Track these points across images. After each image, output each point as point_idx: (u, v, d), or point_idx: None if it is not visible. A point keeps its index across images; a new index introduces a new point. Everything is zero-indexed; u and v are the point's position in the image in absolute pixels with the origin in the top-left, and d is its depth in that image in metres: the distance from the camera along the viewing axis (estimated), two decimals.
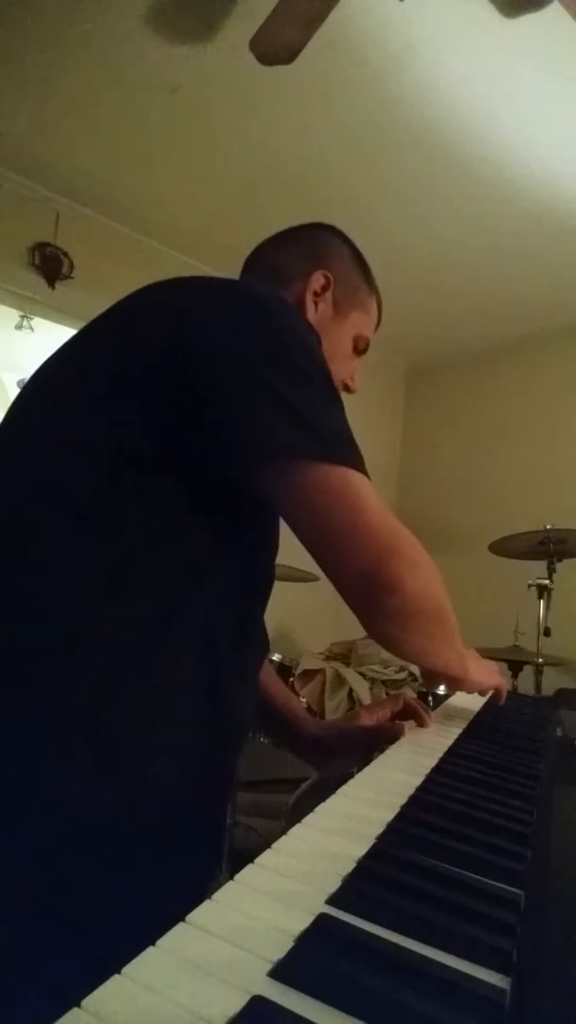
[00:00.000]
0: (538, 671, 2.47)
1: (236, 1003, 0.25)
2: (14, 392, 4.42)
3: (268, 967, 0.28)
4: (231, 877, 0.36)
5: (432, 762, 0.64)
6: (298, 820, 0.45)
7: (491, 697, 0.90)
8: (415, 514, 3.66)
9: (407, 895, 0.35)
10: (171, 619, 0.60)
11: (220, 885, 0.34)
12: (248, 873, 0.36)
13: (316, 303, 0.86)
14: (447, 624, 0.69)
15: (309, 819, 0.45)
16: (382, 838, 0.43)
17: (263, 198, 2.65)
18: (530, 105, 2.07)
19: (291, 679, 2.51)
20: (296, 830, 0.43)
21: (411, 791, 0.53)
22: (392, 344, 3.77)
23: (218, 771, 0.67)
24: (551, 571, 2.51)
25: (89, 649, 0.57)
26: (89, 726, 0.55)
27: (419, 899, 0.35)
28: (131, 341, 0.66)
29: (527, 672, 2.56)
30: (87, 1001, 0.25)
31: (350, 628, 2.34)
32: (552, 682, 2.56)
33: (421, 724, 0.86)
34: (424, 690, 2.17)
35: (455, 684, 0.82)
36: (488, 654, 2.41)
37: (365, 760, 0.74)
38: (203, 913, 0.32)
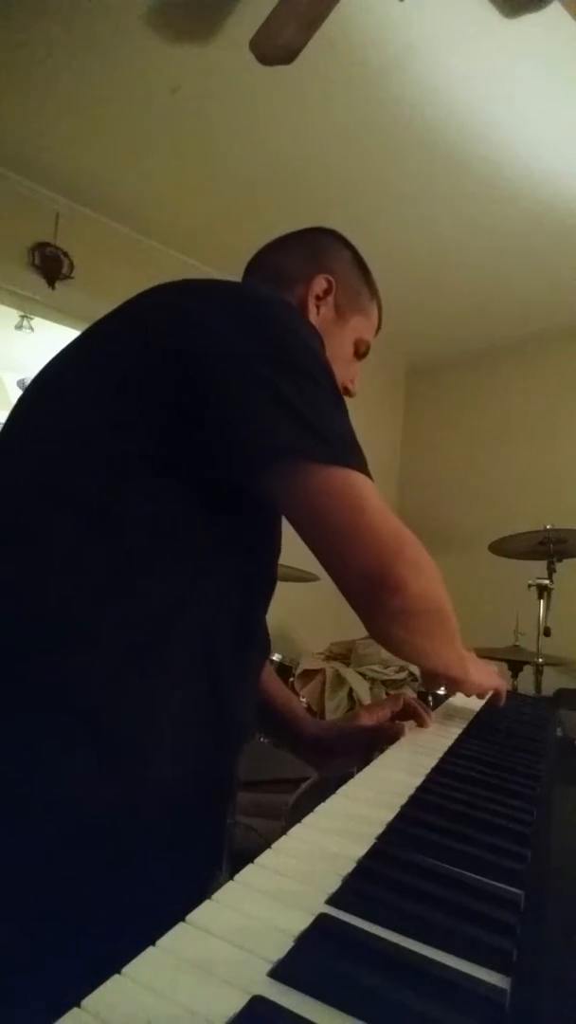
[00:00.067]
0: (538, 671, 2.47)
1: (236, 1003, 0.25)
2: (14, 392, 4.44)
3: (268, 967, 0.28)
4: (231, 877, 0.36)
5: (432, 762, 0.64)
6: (298, 820, 0.44)
7: (491, 698, 0.90)
8: (415, 514, 3.66)
9: (407, 895, 0.35)
10: (173, 619, 0.60)
11: (220, 885, 0.34)
12: (248, 873, 0.36)
13: (318, 307, 0.86)
14: (448, 625, 0.69)
15: (309, 819, 0.45)
16: (382, 838, 0.43)
17: (263, 198, 2.65)
18: (530, 105, 2.07)
19: (291, 679, 2.51)
20: (296, 830, 0.43)
21: (411, 791, 0.53)
22: (392, 344, 3.77)
23: (219, 771, 0.67)
24: (551, 571, 2.51)
25: (90, 649, 0.57)
26: (90, 726, 0.55)
27: (419, 899, 0.35)
28: (135, 342, 0.66)
29: (527, 672, 2.56)
30: (87, 1001, 0.25)
31: (350, 628, 2.34)
32: (552, 682, 2.56)
33: (421, 724, 0.86)
34: (423, 690, 2.17)
35: (455, 686, 0.82)
36: (488, 654, 2.43)
37: (365, 760, 0.74)
38: (203, 913, 0.32)
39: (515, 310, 3.37)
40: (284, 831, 0.42)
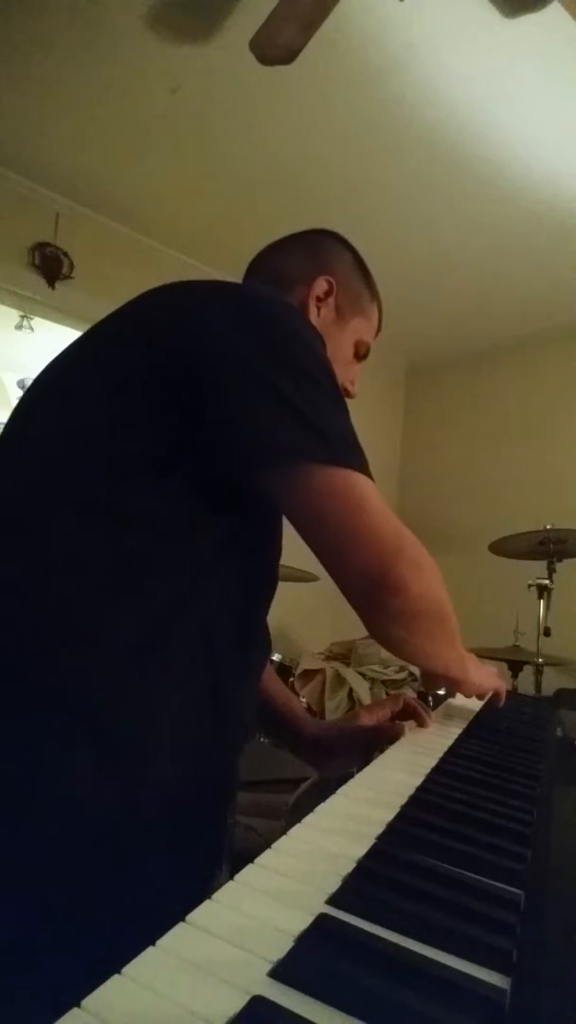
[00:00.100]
0: (538, 671, 2.47)
1: (236, 1003, 0.25)
2: (14, 392, 4.44)
3: (268, 967, 0.28)
4: (231, 877, 0.36)
5: (432, 762, 0.64)
6: (298, 820, 0.44)
7: (490, 699, 0.90)
8: (415, 514, 3.66)
9: (407, 895, 0.35)
10: (174, 619, 0.60)
11: (220, 885, 0.34)
12: (248, 873, 0.36)
13: (319, 308, 0.86)
14: (448, 625, 0.69)
15: (309, 819, 0.45)
16: (382, 838, 0.43)
17: (263, 198, 2.65)
18: (530, 105, 2.07)
19: (291, 679, 2.51)
20: (296, 830, 0.43)
21: (411, 791, 0.53)
22: (392, 344, 3.77)
23: (220, 771, 0.67)
24: (551, 571, 2.51)
25: (91, 649, 0.57)
26: (91, 726, 0.55)
27: (419, 899, 0.35)
28: (137, 343, 0.66)
29: (527, 672, 2.56)
30: (87, 1001, 0.25)
31: (350, 628, 2.34)
32: (552, 682, 2.56)
33: (421, 724, 0.86)
34: (423, 690, 2.17)
35: (455, 686, 0.82)
36: (488, 654, 2.43)
37: (365, 760, 0.74)
38: (203, 913, 0.32)
39: (515, 310, 3.37)
40: (284, 831, 0.42)
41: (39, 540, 0.60)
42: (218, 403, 0.61)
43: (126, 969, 0.27)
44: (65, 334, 2.86)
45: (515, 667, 2.60)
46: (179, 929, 0.30)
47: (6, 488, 0.65)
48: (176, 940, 0.29)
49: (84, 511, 0.60)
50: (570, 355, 3.46)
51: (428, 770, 0.61)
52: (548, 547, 2.49)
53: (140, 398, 0.63)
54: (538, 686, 2.47)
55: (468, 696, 0.89)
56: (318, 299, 0.86)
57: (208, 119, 2.25)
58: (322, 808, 0.48)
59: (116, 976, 0.26)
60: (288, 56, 1.72)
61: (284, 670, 2.48)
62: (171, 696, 0.60)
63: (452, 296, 3.29)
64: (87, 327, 0.74)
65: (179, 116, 2.24)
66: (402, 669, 2.63)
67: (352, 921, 0.32)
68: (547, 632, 2.47)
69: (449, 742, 0.75)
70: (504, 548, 2.66)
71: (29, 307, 2.89)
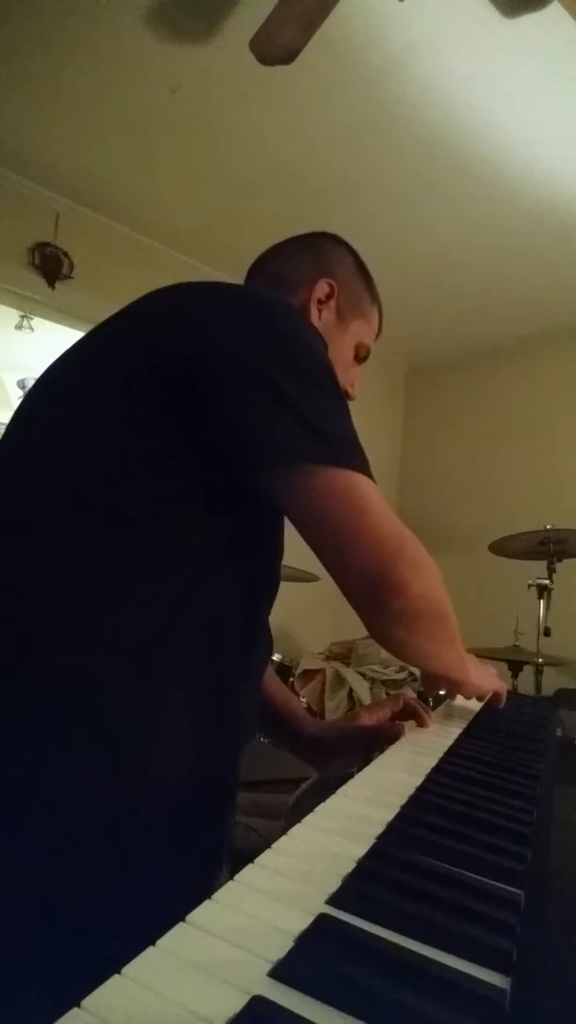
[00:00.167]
0: (538, 671, 2.47)
1: (236, 1003, 0.25)
2: (14, 392, 4.44)
3: (268, 967, 0.28)
4: (231, 877, 0.36)
5: (432, 762, 0.64)
6: (298, 820, 0.44)
7: (490, 700, 0.90)
8: (415, 514, 3.66)
9: (407, 895, 0.35)
10: (175, 619, 0.60)
11: (220, 885, 0.34)
12: (248, 873, 0.36)
13: (320, 310, 0.86)
14: (448, 625, 0.69)
15: (309, 819, 0.45)
16: (382, 838, 0.43)
17: (263, 198, 2.65)
18: (530, 105, 2.07)
19: (291, 679, 2.51)
20: (296, 830, 0.43)
21: (411, 791, 0.53)
22: (392, 344, 3.77)
23: (221, 771, 0.67)
24: (551, 571, 2.51)
25: (92, 649, 0.57)
26: (92, 726, 0.55)
27: (419, 899, 0.35)
28: (140, 344, 0.66)
29: (527, 672, 2.56)
30: (87, 1001, 0.25)
31: (350, 628, 2.34)
32: (552, 682, 2.56)
33: (421, 724, 0.86)
34: (423, 690, 2.17)
35: (455, 688, 0.82)
36: (488, 654, 2.43)
37: (365, 760, 0.74)
38: (203, 913, 0.32)
39: (515, 310, 3.37)
40: (284, 831, 0.42)
41: (39, 540, 0.60)
42: (219, 404, 0.62)
43: (126, 969, 0.27)
44: (65, 334, 2.86)
45: (515, 667, 2.60)
46: (179, 929, 0.30)
47: (7, 488, 0.65)
48: (176, 940, 0.29)
49: (85, 511, 0.60)
50: (570, 355, 3.46)
51: (428, 770, 0.60)
52: (548, 547, 2.49)
53: (142, 399, 0.63)
54: (538, 686, 2.47)
55: (468, 698, 0.89)
56: (319, 302, 0.86)
57: (208, 119, 2.25)
58: (322, 808, 0.48)
59: (116, 976, 0.26)
60: (288, 56, 1.72)
61: (284, 670, 2.48)
62: (172, 696, 0.60)
63: (452, 296, 3.30)
64: (87, 327, 0.74)
65: (179, 116, 2.24)
66: (402, 669, 2.64)
67: (352, 921, 0.32)
68: (547, 632, 2.47)
69: (449, 742, 0.75)
70: (504, 548, 2.66)
71: (29, 307, 2.90)
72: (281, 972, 0.28)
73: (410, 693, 1.49)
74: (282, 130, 2.28)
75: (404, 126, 2.21)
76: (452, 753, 0.69)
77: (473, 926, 0.33)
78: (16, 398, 4.45)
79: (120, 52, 1.98)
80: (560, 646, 2.56)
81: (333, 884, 0.36)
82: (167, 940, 0.29)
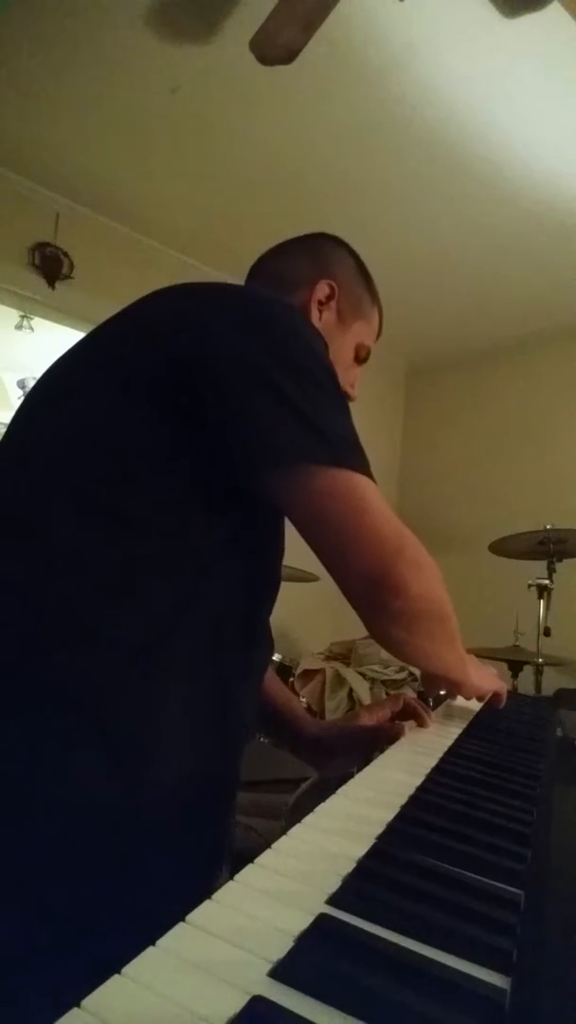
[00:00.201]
0: (538, 671, 2.47)
1: (236, 1003, 0.25)
2: (14, 392, 4.44)
3: (268, 967, 0.28)
4: (231, 877, 0.36)
5: (432, 762, 0.64)
6: (298, 820, 0.44)
7: (490, 700, 0.90)
8: (415, 514, 3.66)
9: (407, 895, 0.35)
10: (177, 619, 0.60)
11: (220, 885, 0.34)
12: (248, 873, 0.36)
13: (320, 312, 0.87)
14: (448, 626, 0.69)
15: (309, 819, 0.45)
16: (382, 838, 0.43)
17: (263, 198, 2.65)
18: (530, 105, 2.07)
19: (291, 679, 2.51)
20: (296, 830, 0.43)
21: (411, 791, 0.53)
22: (392, 344, 3.77)
23: (222, 771, 0.67)
24: (551, 571, 2.51)
25: (92, 649, 0.57)
26: (92, 726, 0.55)
27: (419, 899, 0.35)
28: (141, 345, 0.66)
29: (527, 672, 2.56)
30: (87, 1001, 0.25)
31: (350, 628, 2.34)
32: (552, 682, 2.56)
33: (421, 724, 0.86)
34: (423, 690, 2.17)
35: (455, 688, 0.82)
36: (488, 654, 2.43)
37: (365, 760, 0.74)
38: (203, 913, 0.32)
39: (515, 310, 3.37)
40: (284, 831, 0.42)
41: (40, 540, 0.60)
42: (220, 404, 0.62)
43: (126, 969, 0.27)
44: (65, 334, 2.86)
45: (515, 667, 2.60)
46: (179, 929, 0.30)
47: (8, 488, 0.65)
48: (176, 940, 0.29)
49: (85, 511, 0.60)
50: (570, 355, 3.46)
51: (428, 770, 0.61)
52: (548, 547, 2.49)
53: (143, 399, 0.63)
54: (538, 686, 2.47)
55: (468, 698, 0.89)
56: (320, 303, 0.86)
57: (208, 119, 2.25)
58: (322, 808, 0.48)
59: (116, 976, 0.26)
60: (288, 56, 1.72)
61: (284, 670, 2.48)
62: (172, 696, 0.60)
63: (452, 296, 3.30)
64: (87, 327, 0.75)
65: (179, 116, 2.24)
66: (402, 669, 2.64)
67: (352, 921, 0.32)
68: (547, 632, 2.47)
69: (449, 742, 0.75)
70: (504, 548, 2.66)
71: (29, 307, 2.90)
72: (281, 972, 0.28)
73: (410, 693, 1.49)
74: (282, 130, 2.28)
75: (404, 126, 2.21)
76: (452, 753, 0.69)
77: (473, 926, 0.33)
78: (16, 398, 4.45)
79: (120, 52, 1.98)
80: (560, 646, 2.56)
81: (333, 884, 0.36)
82: (167, 940, 0.29)
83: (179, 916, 0.31)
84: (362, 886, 0.36)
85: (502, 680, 0.92)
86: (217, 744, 0.65)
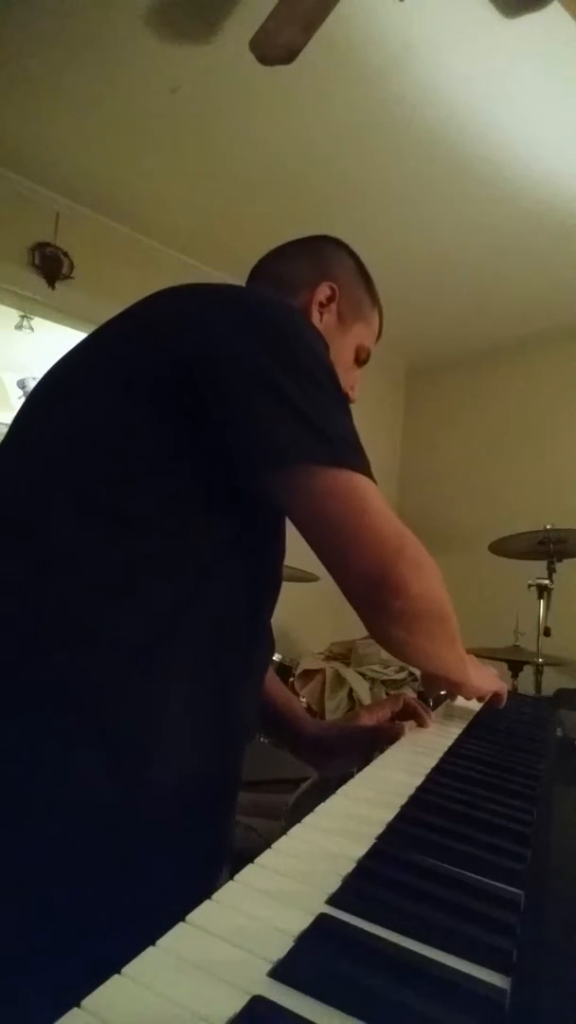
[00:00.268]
0: (538, 671, 2.47)
1: (236, 1003, 0.25)
2: (14, 392, 4.44)
3: (268, 967, 0.28)
4: (231, 877, 0.36)
5: (432, 762, 0.64)
6: (298, 820, 0.44)
7: (490, 700, 0.90)
8: (415, 514, 3.66)
9: (407, 895, 0.35)
10: (178, 619, 0.60)
11: (220, 885, 0.34)
12: (248, 873, 0.36)
13: (321, 313, 0.87)
14: (448, 626, 0.69)
15: (309, 819, 0.45)
16: (382, 838, 0.43)
17: (263, 198, 2.65)
18: (530, 105, 2.07)
19: (291, 679, 2.51)
20: (296, 830, 0.43)
21: (411, 791, 0.53)
22: (392, 344, 3.77)
23: (222, 771, 0.67)
24: (551, 571, 2.51)
25: (92, 649, 0.57)
26: (92, 726, 0.55)
27: (419, 899, 0.35)
28: (143, 345, 0.67)
29: (527, 672, 2.56)
30: (87, 1001, 0.25)
31: (350, 628, 2.34)
32: (552, 682, 2.56)
33: (421, 724, 0.86)
34: (423, 690, 2.17)
35: (455, 689, 0.82)
36: (488, 654, 2.43)
37: (365, 760, 0.74)
38: (203, 913, 0.32)
39: (515, 310, 3.37)
40: (284, 831, 0.42)
41: (40, 541, 0.60)
42: (220, 404, 0.62)
43: (126, 969, 0.27)
44: (65, 334, 2.86)
45: (515, 667, 2.60)
46: (179, 929, 0.30)
47: (9, 489, 0.65)
48: (176, 940, 0.29)
49: (86, 511, 0.60)
50: (570, 355, 3.46)
51: (428, 770, 0.60)
52: (548, 547, 2.49)
53: (144, 400, 0.63)
54: (538, 686, 2.47)
55: (468, 698, 0.89)
56: (320, 304, 0.87)
57: (208, 119, 2.25)
58: (322, 808, 0.48)
59: (116, 976, 0.26)
60: (288, 56, 1.72)
61: (284, 670, 2.48)
62: (173, 696, 0.60)
63: (452, 296, 3.29)
64: (87, 327, 0.75)
65: (179, 116, 2.24)
66: (402, 669, 2.64)
67: (352, 921, 0.32)
68: (547, 632, 2.47)
69: (449, 742, 0.75)
70: (504, 548, 2.66)
71: (29, 307, 2.90)
72: (281, 972, 0.28)
73: (410, 693, 1.50)
74: (282, 130, 2.28)
75: (404, 126, 2.21)
76: (452, 753, 0.69)
77: (473, 926, 0.33)
78: (16, 398, 4.45)
79: (120, 52, 1.98)
80: (560, 646, 2.56)
81: (333, 884, 0.36)
82: (167, 940, 0.29)
83: (179, 916, 0.31)
84: (362, 886, 0.36)
85: (502, 680, 0.92)
86: (218, 744, 0.65)
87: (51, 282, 2.64)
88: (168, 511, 0.62)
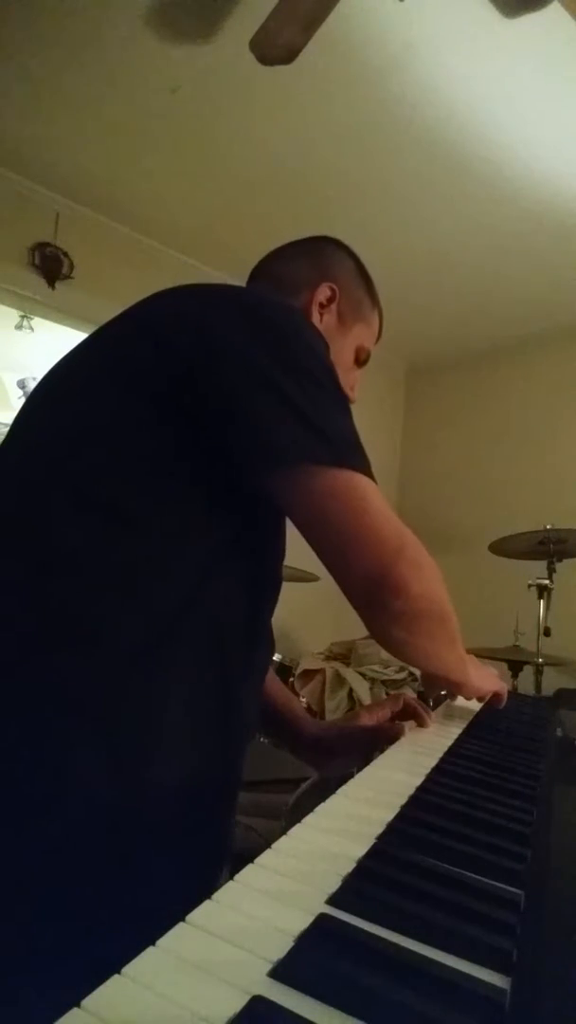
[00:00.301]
0: (538, 671, 2.47)
1: (236, 1003, 0.25)
2: (14, 392, 4.44)
3: (268, 967, 0.28)
4: (231, 877, 0.36)
5: (432, 762, 0.64)
6: (298, 820, 0.44)
7: (490, 700, 0.90)
8: (415, 514, 3.66)
9: (407, 895, 0.35)
10: (178, 619, 0.60)
11: (220, 885, 0.34)
12: (248, 873, 0.36)
13: (321, 314, 0.87)
14: (449, 626, 0.69)
15: (309, 819, 0.45)
16: (382, 838, 0.43)
17: (263, 198, 2.65)
18: (530, 105, 2.07)
19: (291, 679, 2.51)
20: (296, 830, 0.43)
21: (411, 791, 0.53)
22: (392, 344, 3.77)
23: (223, 771, 0.67)
24: (551, 571, 2.51)
25: (93, 649, 0.57)
26: (93, 726, 0.55)
27: (419, 899, 0.35)
28: (144, 346, 0.67)
29: (527, 672, 2.56)
30: (87, 1001, 0.25)
31: (350, 628, 2.34)
32: (552, 682, 2.56)
33: (421, 724, 0.86)
34: (423, 690, 2.17)
35: (456, 689, 0.82)
36: (488, 654, 2.43)
37: (365, 760, 0.74)
38: (203, 913, 0.32)
39: (515, 310, 3.37)
40: (284, 831, 0.42)
41: (41, 541, 0.60)
42: (221, 405, 0.62)
43: (126, 969, 0.27)
44: (65, 334, 2.86)
45: (515, 667, 2.60)
46: (179, 929, 0.30)
47: (10, 489, 0.65)
48: (176, 940, 0.29)
49: (86, 512, 0.60)
50: (570, 355, 3.46)
51: (428, 770, 0.60)
52: (548, 547, 2.49)
53: (145, 400, 0.63)
54: (538, 686, 2.47)
55: (468, 698, 0.89)
56: (321, 305, 0.87)
57: (208, 119, 2.25)
58: (322, 808, 0.48)
59: (116, 976, 0.26)
60: (288, 56, 1.72)
61: (284, 670, 2.48)
62: (173, 696, 0.60)
63: (452, 296, 3.29)
64: (87, 327, 0.75)
65: (179, 116, 2.24)
66: (402, 669, 2.64)
67: (352, 921, 0.32)
68: (547, 632, 2.47)
69: (449, 742, 0.75)
70: (504, 548, 2.66)
71: (29, 307, 2.89)
72: (281, 972, 0.28)
73: (410, 693, 1.50)
74: (282, 130, 2.28)
75: (404, 126, 2.21)
76: (452, 753, 0.69)
77: (473, 926, 0.33)
78: (16, 398, 4.45)
79: (120, 52, 1.98)
80: (560, 646, 2.56)
81: (333, 884, 0.36)
82: (167, 940, 0.29)
83: (179, 916, 0.31)
84: (362, 886, 0.36)
85: (502, 680, 0.92)
86: (219, 744, 0.65)
87: (51, 282, 2.64)
88: (168, 511, 0.62)
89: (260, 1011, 0.25)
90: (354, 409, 0.70)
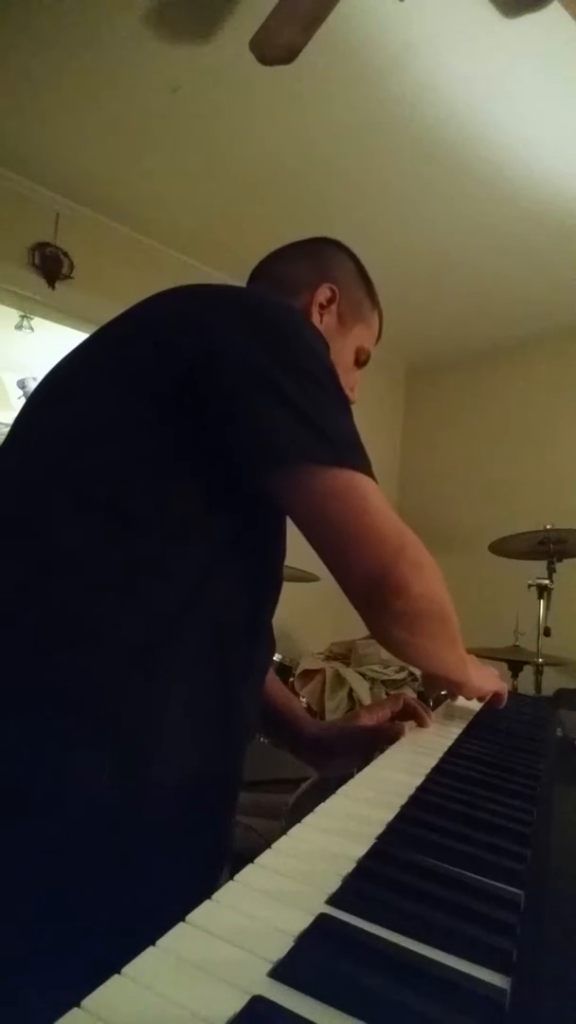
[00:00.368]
0: (538, 671, 2.47)
1: (236, 1003, 0.25)
2: (14, 392, 4.44)
3: (268, 967, 0.28)
4: (231, 877, 0.36)
5: (432, 762, 0.64)
6: (298, 820, 0.44)
7: (491, 700, 0.90)
8: (415, 514, 3.66)
9: (407, 895, 0.35)
10: (178, 619, 0.60)
11: (220, 885, 0.34)
12: (248, 873, 0.36)
13: (321, 315, 0.87)
14: (449, 625, 0.69)
15: (309, 819, 0.45)
16: (382, 838, 0.43)
17: (263, 198, 2.65)
18: (530, 105, 2.07)
19: (291, 679, 2.51)
20: (296, 830, 0.43)
21: (411, 791, 0.53)
22: (392, 344, 3.77)
23: (223, 771, 0.67)
24: (551, 571, 2.51)
25: (93, 649, 0.57)
26: (93, 726, 0.55)
27: (419, 899, 0.35)
28: (145, 346, 0.67)
29: (527, 672, 2.56)
30: (87, 1001, 0.25)
31: (350, 628, 2.34)
32: (552, 682, 2.56)
33: (421, 724, 0.86)
34: (423, 690, 2.16)
35: (456, 689, 0.82)
36: (488, 654, 2.43)
37: (365, 760, 0.74)
38: (203, 913, 0.32)
39: (515, 310, 3.37)
40: (284, 831, 0.42)
41: (41, 541, 0.60)
42: (221, 405, 0.62)
43: (126, 969, 0.27)
44: (65, 334, 2.86)
45: (515, 667, 2.60)
46: (179, 929, 0.30)
47: (10, 489, 0.65)
48: (176, 940, 0.29)
49: (87, 512, 0.60)
50: (570, 355, 3.46)
51: (428, 770, 0.60)
52: (548, 547, 2.49)
53: (146, 400, 0.63)
54: (538, 686, 2.47)
55: (469, 698, 0.89)
56: (321, 306, 0.87)
57: (208, 119, 2.25)
58: (322, 808, 0.48)
59: (116, 976, 0.26)
60: (288, 56, 1.72)
61: (284, 670, 2.48)
62: (174, 696, 0.60)
63: (452, 296, 3.29)
64: (87, 327, 0.75)
65: (179, 116, 2.24)
66: (402, 669, 2.63)
67: (352, 921, 0.32)
68: (547, 632, 2.47)
69: (449, 742, 0.75)
70: (504, 548, 2.66)
71: (29, 307, 2.89)
72: (281, 972, 0.28)
73: (410, 693, 1.50)
74: (282, 130, 2.28)
75: (404, 126, 2.21)
76: (452, 753, 0.69)
77: (473, 926, 0.33)
78: (16, 398, 4.45)
79: (120, 52, 1.98)
80: (560, 646, 2.56)
81: (333, 884, 0.36)
82: (167, 940, 0.29)
83: (179, 916, 0.31)
84: (362, 886, 0.36)
85: (502, 680, 0.92)
86: (219, 744, 0.65)
87: (51, 282, 2.64)
88: (169, 511, 0.62)
89: (260, 1011, 0.25)
90: (354, 409, 0.70)
